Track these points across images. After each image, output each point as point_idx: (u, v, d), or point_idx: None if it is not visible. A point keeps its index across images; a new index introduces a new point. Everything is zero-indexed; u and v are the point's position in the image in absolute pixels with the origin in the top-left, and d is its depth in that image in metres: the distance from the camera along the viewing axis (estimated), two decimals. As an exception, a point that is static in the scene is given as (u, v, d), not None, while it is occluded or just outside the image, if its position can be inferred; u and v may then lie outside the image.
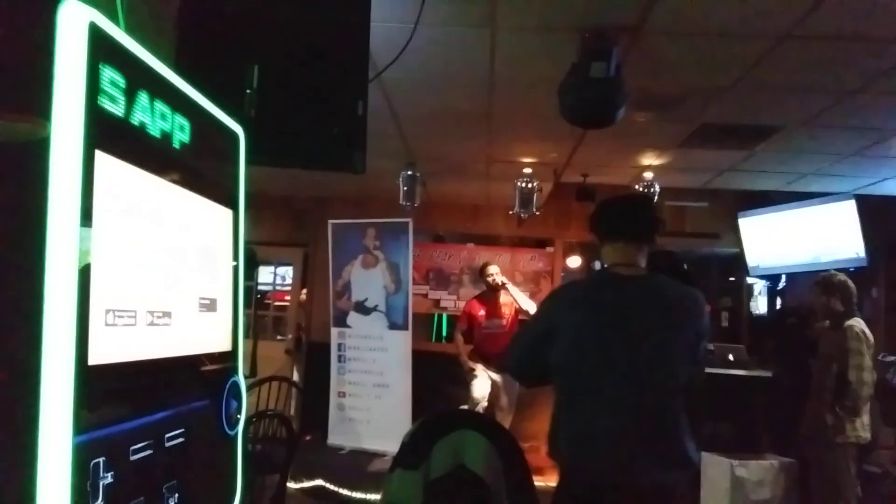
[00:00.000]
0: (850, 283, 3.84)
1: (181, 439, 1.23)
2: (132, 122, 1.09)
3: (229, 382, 1.48)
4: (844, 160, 4.70)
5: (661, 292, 2.07)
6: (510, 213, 5.44)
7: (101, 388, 0.99)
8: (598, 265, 8.25)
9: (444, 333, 8.21)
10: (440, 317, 8.02)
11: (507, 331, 5.40)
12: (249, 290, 6.35)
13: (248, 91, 1.69)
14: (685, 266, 2.15)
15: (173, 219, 1.26)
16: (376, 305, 5.92)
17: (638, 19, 2.72)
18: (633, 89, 3.01)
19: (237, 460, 1.54)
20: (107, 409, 1.02)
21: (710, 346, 5.19)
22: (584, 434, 1.96)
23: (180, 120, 1.25)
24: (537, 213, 5.33)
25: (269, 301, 7.58)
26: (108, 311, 1.02)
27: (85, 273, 0.94)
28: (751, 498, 4.49)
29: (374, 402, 5.82)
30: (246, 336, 1.64)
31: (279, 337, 7.23)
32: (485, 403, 5.36)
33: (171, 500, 1.19)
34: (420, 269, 6.76)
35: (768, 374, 5.14)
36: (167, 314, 1.22)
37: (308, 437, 5.82)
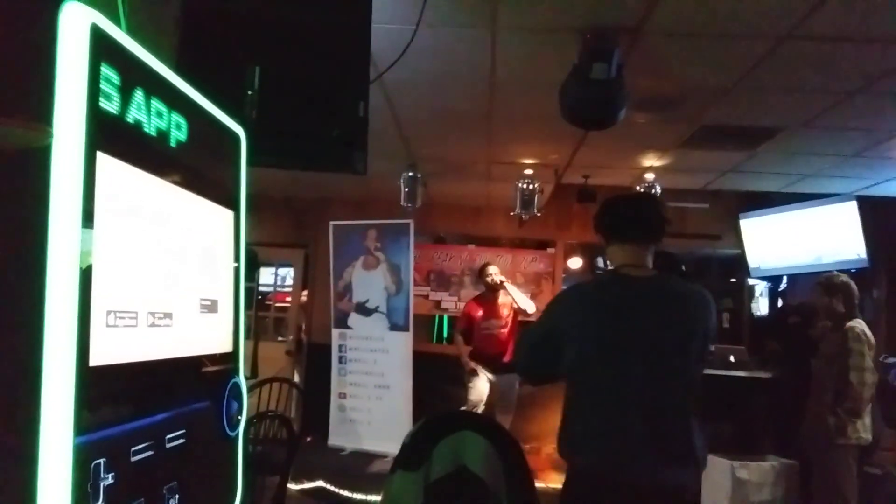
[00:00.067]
0: (852, 284, 3.84)
1: (182, 440, 1.23)
2: (134, 123, 1.09)
3: (230, 383, 1.48)
4: (846, 161, 4.69)
5: (672, 292, 2.08)
6: (511, 214, 5.45)
7: (102, 389, 0.99)
8: (600, 262, 8.27)
9: (445, 335, 8.21)
10: (441, 318, 8.01)
11: (505, 331, 5.39)
12: (250, 292, 6.36)
13: (249, 92, 1.69)
14: (683, 267, 2.15)
15: (174, 220, 1.26)
16: (377, 306, 5.92)
17: (639, 20, 2.72)
18: (634, 90, 3.01)
19: (238, 461, 1.54)
20: (108, 409, 1.02)
21: (711, 348, 5.18)
22: (600, 434, 1.96)
23: (181, 121, 1.25)
24: (538, 215, 5.33)
25: (270, 302, 7.58)
26: (109, 313, 1.02)
27: (86, 274, 0.95)
28: (751, 499, 4.49)
29: (374, 403, 5.82)
30: (247, 337, 1.64)
31: (280, 338, 7.23)
32: (481, 407, 5.34)
33: (171, 501, 1.19)
34: (421, 270, 6.76)
35: (769, 375, 5.13)
36: (168, 315, 1.22)
37: (309, 439, 5.82)
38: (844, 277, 3.89)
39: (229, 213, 1.53)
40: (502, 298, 5.45)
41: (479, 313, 5.47)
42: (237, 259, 1.56)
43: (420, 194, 5.15)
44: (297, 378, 6.73)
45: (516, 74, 3.37)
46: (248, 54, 1.72)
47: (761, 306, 7.83)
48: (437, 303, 6.96)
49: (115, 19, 1.14)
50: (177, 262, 1.27)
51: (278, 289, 7.67)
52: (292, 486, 4.18)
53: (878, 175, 5.02)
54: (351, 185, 5.94)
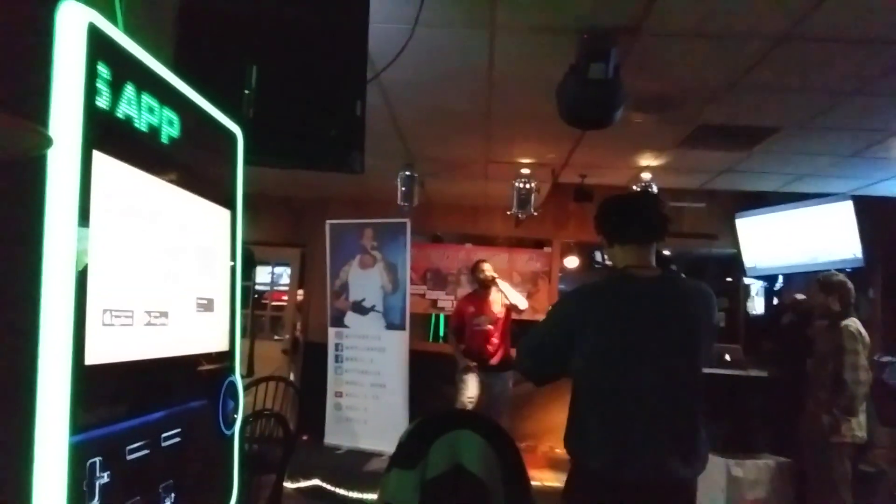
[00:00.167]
0: (849, 283, 3.86)
1: (178, 439, 1.23)
2: (129, 122, 1.09)
3: (226, 382, 1.48)
4: (841, 161, 4.71)
5: (677, 290, 2.10)
6: (508, 213, 5.44)
7: (97, 387, 0.99)
8: (598, 256, 8.28)
9: (442, 333, 8.21)
10: (437, 317, 8.02)
11: (496, 328, 5.38)
12: (247, 290, 6.36)
13: (246, 91, 1.69)
14: (674, 267, 2.16)
15: (171, 219, 1.26)
16: (374, 305, 5.92)
17: (636, 21, 2.73)
18: (631, 90, 3.01)
19: (234, 460, 1.54)
20: (103, 408, 1.02)
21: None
22: (612, 433, 1.96)
23: (177, 120, 1.25)
24: (535, 214, 5.33)
25: (267, 301, 7.58)
26: (105, 311, 1.02)
27: (82, 273, 0.95)
28: (747, 497, 4.50)
29: (371, 401, 5.82)
30: (243, 336, 1.64)
31: (276, 337, 7.23)
32: (470, 406, 5.32)
33: (167, 499, 1.19)
34: (418, 269, 6.76)
35: (764, 374, 5.15)
36: (164, 314, 1.22)
37: (305, 437, 5.82)
38: (841, 276, 3.91)
39: (226, 212, 1.53)
40: (494, 295, 5.44)
41: (471, 310, 5.46)
42: (233, 258, 1.56)
43: (417, 193, 5.15)
44: (293, 377, 6.73)
45: (514, 74, 3.37)
46: (246, 54, 1.72)
47: (757, 305, 7.85)
48: (434, 302, 6.96)
49: (112, 19, 1.14)
50: (173, 261, 1.27)
51: (275, 288, 7.66)
52: (288, 484, 4.18)
53: (873, 175, 5.03)
54: (348, 185, 5.94)
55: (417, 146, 4.78)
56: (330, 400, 5.96)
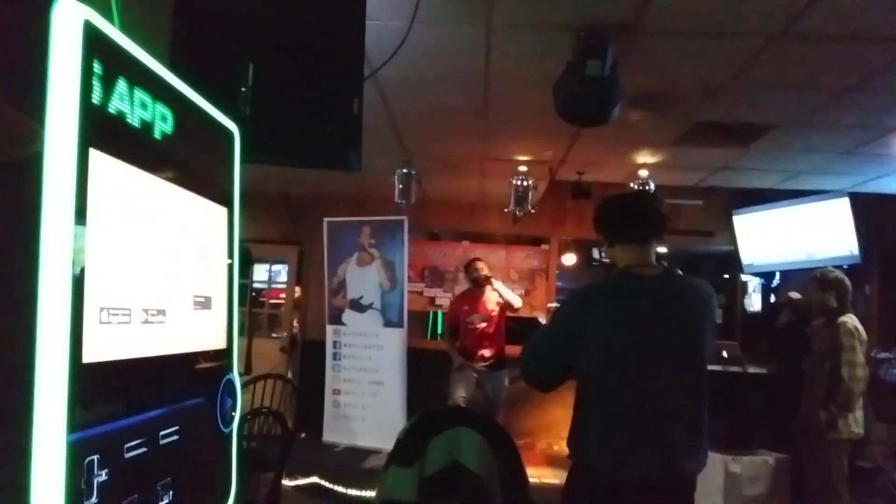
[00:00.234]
0: (846, 279, 3.87)
1: (176, 437, 1.23)
2: (126, 120, 1.09)
3: (224, 380, 1.48)
4: (838, 158, 4.72)
5: (681, 288, 2.11)
6: (505, 210, 5.45)
7: (95, 385, 0.99)
8: (595, 253, 8.29)
9: (440, 331, 8.22)
10: (435, 314, 8.02)
11: (490, 326, 5.38)
12: (244, 288, 6.36)
13: (243, 89, 1.69)
14: (665, 263, 2.17)
15: (168, 217, 1.26)
16: (371, 303, 5.92)
17: (633, 18, 2.73)
18: (629, 87, 3.02)
19: (232, 458, 1.54)
20: (101, 406, 1.02)
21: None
22: (618, 432, 1.96)
23: (173, 118, 1.25)
24: (532, 211, 5.33)
25: (265, 299, 7.58)
26: (102, 310, 1.02)
27: (79, 271, 0.94)
28: (744, 493, 4.52)
29: (369, 399, 5.83)
30: (241, 334, 1.64)
31: (274, 335, 7.23)
32: (463, 405, 5.32)
33: (165, 497, 1.20)
34: (415, 266, 6.76)
35: (762, 370, 5.16)
36: (162, 312, 1.22)
37: (303, 435, 5.83)
38: (838, 273, 3.93)
39: (223, 210, 1.53)
40: (488, 293, 5.44)
41: (465, 308, 5.47)
42: (231, 256, 1.56)
43: (414, 191, 5.14)
44: (291, 375, 6.73)
45: (511, 71, 3.37)
46: (242, 51, 1.72)
47: (754, 302, 7.87)
48: (432, 299, 6.97)
49: (108, 16, 1.14)
50: (170, 259, 1.27)
51: (272, 285, 7.67)
52: (286, 482, 4.18)
53: (870, 172, 5.05)
54: (345, 182, 5.94)
55: (415, 144, 4.77)
56: (328, 397, 5.96)
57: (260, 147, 1.68)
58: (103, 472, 0.99)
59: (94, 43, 0.97)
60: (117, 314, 1.07)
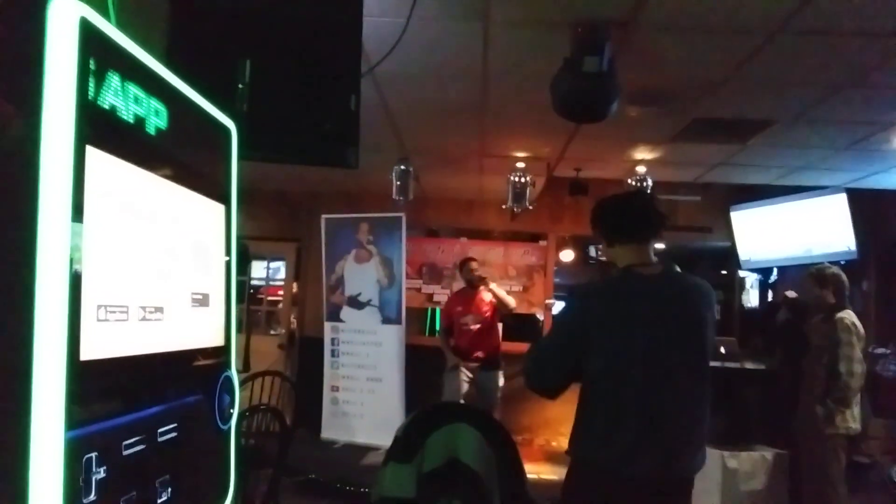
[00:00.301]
0: (843, 275, 3.88)
1: (174, 434, 1.23)
2: (122, 117, 1.09)
3: (222, 377, 1.48)
4: (836, 154, 4.72)
5: (682, 286, 2.12)
6: (503, 207, 5.45)
7: (93, 383, 0.99)
8: (591, 251, 8.29)
9: (437, 328, 8.22)
10: (433, 311, 8.02)
11: (484, 326, 5.38)
12: (242, 285, 6.33)
13: (240, 86, 1.68)
14: (655, 259, 2.17)
15: (165, 214, 1.26)
16: (370, 300, 5.92)
17: (631, 14, 2.73)
18: (626, 84, 3.02)
19: (230, 455, 1.54)
20: (99, 404, 1.02)
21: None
22: (621, 429, 1.96)
23: (171, 115, 1.25)
24: (530, 208, 5.34)
25: (262, 296, 7.57)
26: (99, 307, 1.02)
27: (76, 269, 0.94)
28: (742, 489, 4.53)
29: (367, 396, 5.84)
30: (239, 331, 1.64)
31: (272, 332, 7.23)
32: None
33: (163, 494, 1.20)
34: (413, 263, 6.76)
35: (760, 366, 5.18)
36: (159, 309, 1.22)
37: (301, 431, 5.83)
38: (835, 269, 3.93)
39: (221, 207, 1.53)
40: (483, 293, 5.44)
41: (458, 309, 5.48)
42: (229, 253, 1.56)
43: (412, 188, 5.15)
44: (289, 371, 6.74)
45: (508, 67, 3.37)
46: (239, 48, 1.72)
47: (752, 298, 7.88)
48: (430, 296, 6.97)
49: (104, 13, 1.14)
50: (168, 257, 1.27)
51: (270, 282, 7.66)
52: (285, 479, 4.18)
53: (867, 168, 5.05)
54: (343, 179, 5.93)
55: (412, 140, 4.77)
56: (326, 394, 5.96)
57: (257, 144, 1.68)
58: (101, 470, 0.99)
59: (91, 40, 0.97)
60: (115, 311, 1.07)
